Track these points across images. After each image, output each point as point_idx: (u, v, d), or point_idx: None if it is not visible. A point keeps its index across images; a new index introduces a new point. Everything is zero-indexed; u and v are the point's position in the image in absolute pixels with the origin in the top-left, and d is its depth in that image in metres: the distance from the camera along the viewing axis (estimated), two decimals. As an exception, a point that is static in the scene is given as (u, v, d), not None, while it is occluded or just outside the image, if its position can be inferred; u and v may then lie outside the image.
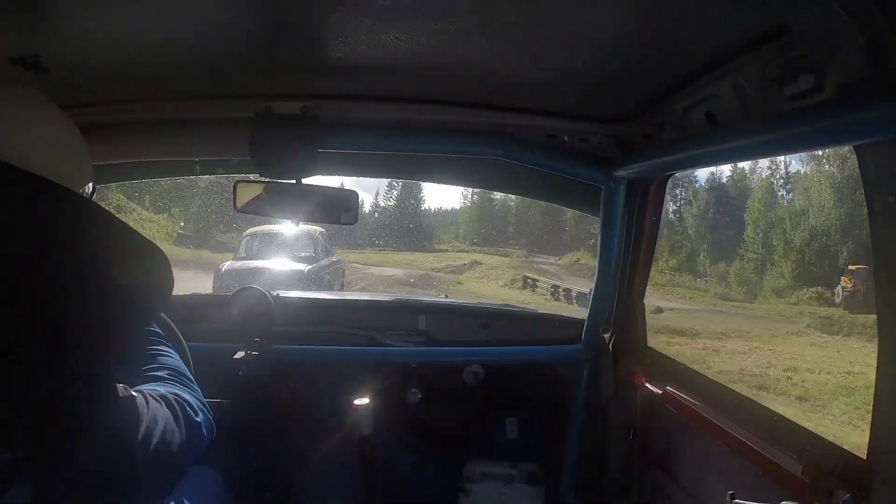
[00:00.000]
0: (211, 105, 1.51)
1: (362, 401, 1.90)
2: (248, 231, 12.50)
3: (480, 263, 30.62)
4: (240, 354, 1.92)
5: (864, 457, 0.94)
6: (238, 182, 1.73)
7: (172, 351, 1.05)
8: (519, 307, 2.51)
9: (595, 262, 1.90)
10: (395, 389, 2.14)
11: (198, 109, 1.53)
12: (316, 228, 12.04)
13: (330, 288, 11.29)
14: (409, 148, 1.67)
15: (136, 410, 0.76)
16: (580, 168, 1.71)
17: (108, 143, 1.59)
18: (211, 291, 10.21)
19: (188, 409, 0.90)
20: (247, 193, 1.72)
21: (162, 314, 1.49)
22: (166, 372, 0.97)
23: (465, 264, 30.37)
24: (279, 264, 10.89)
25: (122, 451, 0.70)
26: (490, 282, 24.99)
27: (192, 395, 0.97)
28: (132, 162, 1.74)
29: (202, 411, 0.95)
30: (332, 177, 2.18)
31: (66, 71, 1.23)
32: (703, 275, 32.83)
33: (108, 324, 0.68)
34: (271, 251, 11.54)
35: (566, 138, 1.63)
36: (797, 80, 0.88)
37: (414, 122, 1.60)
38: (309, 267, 11.06)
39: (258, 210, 1.75)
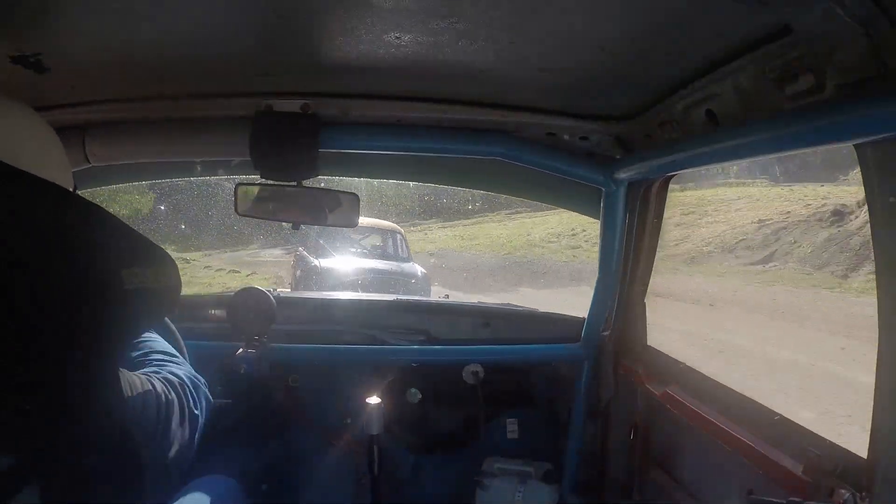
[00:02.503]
0: (211, 104, 1.52)
1: (374, 400, 1.90)
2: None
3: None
4: (240, 353, 1.93)
5: (865, 456, 0.95)
6: (239, 185, 1.73)
7: (153, 333, 1.06)
8: (519, 306, 2.51)
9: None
10: (395, 389, 2.14)
11: (198, 108, 1.53)
12: (392, 224, 10.40)
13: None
14: (409, 147, 1.67)
15: (147, 405, 0.77)
16: (581, 169, 1.71)
17: (108, 143, 1.59)
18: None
19: (189, 393, 0.93)
20: (247, 196, 1.73)
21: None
22: (157, 356, 0.99)
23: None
24: (387, 265, 8.92)
25: (129, 452, 0.69)
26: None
27: (186, 373, 0.99)
28: (132, 163, 1.74)
29: (197, 390, 0.97)
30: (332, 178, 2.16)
31: (67, 70, 1.23)
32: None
33: (116, 328, 0.68)
34: (368, 249, 9.60)
35: (566, 137, 1.63)
36: (798, 80, 0.88)
37: (414, 120, 1.60)
38: (422, 270, 9.25)
39: (259, 212, 1.76)
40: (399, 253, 9.57)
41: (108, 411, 0.68)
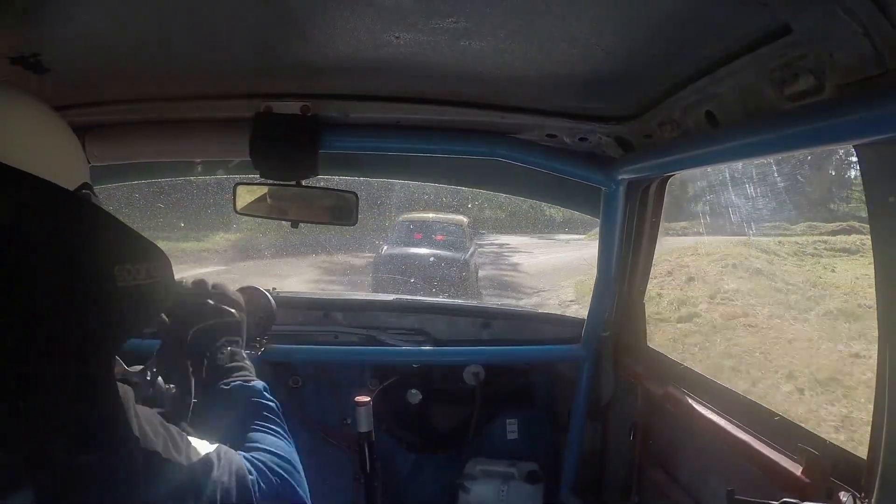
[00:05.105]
0: (211, 105, 1.52)
1: (363, 398, 1.91)
2: (401, 217, 12.40)
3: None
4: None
5: (864, 457, 0.94)
6: (238, 184, 1.73)
7: (284, 440, 1.11)
8: (519, 307, 2.51)
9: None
10: (395, 389, 2.14)
11: (198, 109, 1.53)
12: (462, 217, 12.52)
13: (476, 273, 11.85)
14: (408, 148, 1.67)
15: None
16: (580, 168, 1.71)
17: (108, 144, 1.59)
18: (370, 277, 10.93)
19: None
20: (247, 196, 1.73)
21: (162, 315, 1.49)
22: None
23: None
24: (437, 252, 11.08)
25: (125, 451, 0.69)
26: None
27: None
28: (132, 163, 1.73)
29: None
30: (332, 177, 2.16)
31: (67, 71, 1.23)
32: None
33: (109, 326, 0.68)
34: (423, 238, 11.65)
35: (566, 138, 1.63)
36: (798, 80, 0.88)
37: (414, 121, 1.60)
38: (465, 255, 11.25)
39: (258, 212, 1.75)
40: (457, 240, 11.70)
41: (103, 410, 0.68)
